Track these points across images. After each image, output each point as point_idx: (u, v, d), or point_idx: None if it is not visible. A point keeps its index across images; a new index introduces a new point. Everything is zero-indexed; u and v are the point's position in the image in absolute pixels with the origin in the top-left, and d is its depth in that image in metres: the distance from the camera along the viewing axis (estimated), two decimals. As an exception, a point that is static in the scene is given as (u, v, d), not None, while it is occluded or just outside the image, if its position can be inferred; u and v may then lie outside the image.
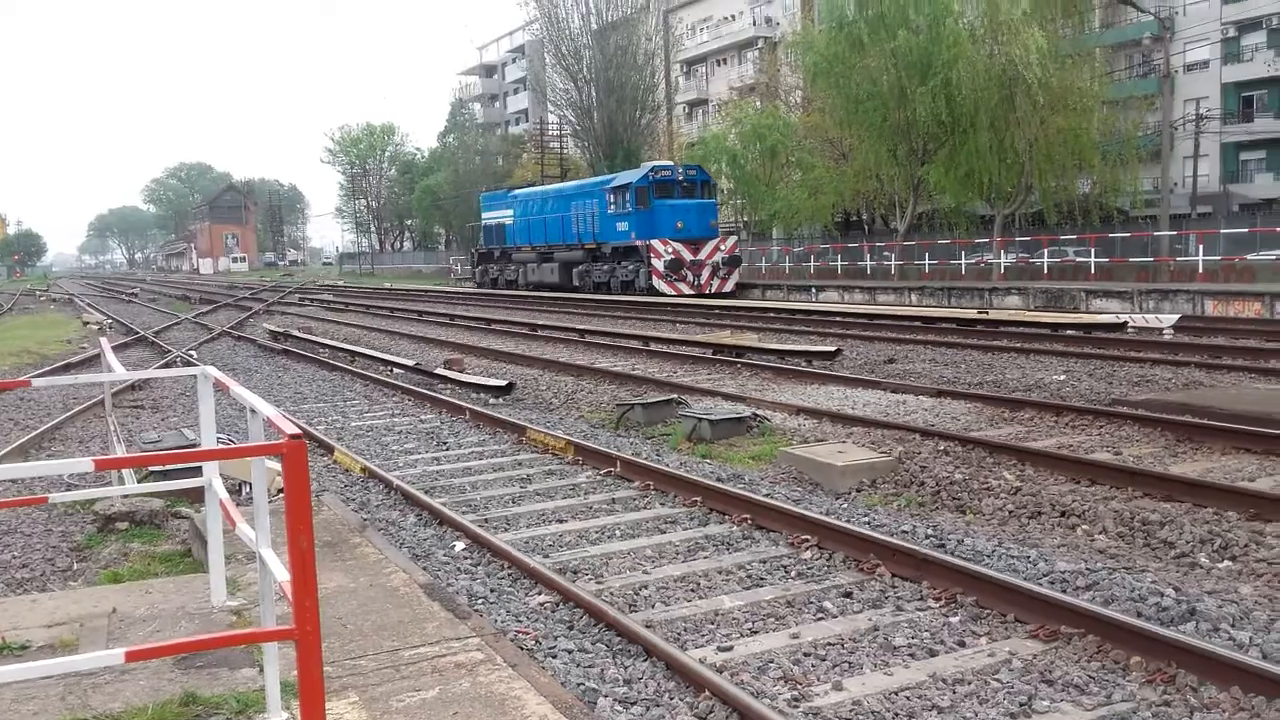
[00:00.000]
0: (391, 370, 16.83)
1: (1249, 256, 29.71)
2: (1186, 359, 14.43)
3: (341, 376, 16.83)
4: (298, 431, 2.87)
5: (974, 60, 30.63)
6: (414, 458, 10.13)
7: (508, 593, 6.01)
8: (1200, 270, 27.55)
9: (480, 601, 5.83)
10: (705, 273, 34.32)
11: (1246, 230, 32.96)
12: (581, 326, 23.25)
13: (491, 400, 13.58)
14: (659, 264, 33.74)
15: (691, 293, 33.39)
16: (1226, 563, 6.23)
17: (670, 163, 38.36)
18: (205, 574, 5.37)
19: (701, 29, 76.82)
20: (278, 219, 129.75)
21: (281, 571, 3.13)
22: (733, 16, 75.05)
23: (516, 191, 46.84)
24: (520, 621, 5.50)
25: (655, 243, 33.81)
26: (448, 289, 51.10)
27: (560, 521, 7.55)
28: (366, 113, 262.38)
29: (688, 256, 33.90)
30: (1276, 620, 5.08)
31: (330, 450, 10.24)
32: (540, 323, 25.00)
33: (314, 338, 22.63)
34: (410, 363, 16.87)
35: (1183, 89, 49.51)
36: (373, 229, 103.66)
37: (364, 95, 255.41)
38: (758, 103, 51.66)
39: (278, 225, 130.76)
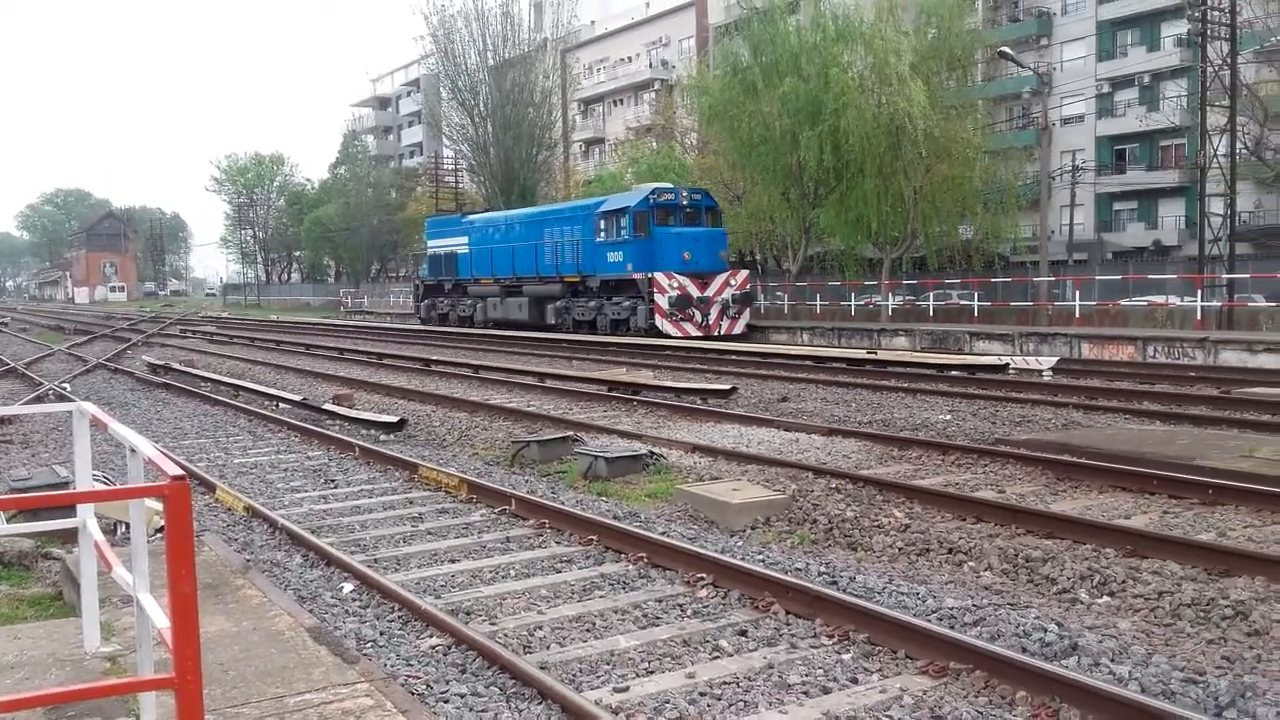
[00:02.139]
0: (277, 405, 16.38)
1: (1122, 302, 31.08)
2: (1065, 400, 14.96)
3: (225, 411, 16.31)
4: (180, 472, 2.76)
5: (862, 109, 31.52)
6: (300, 496, 9.85)
7: (398, 635, 5.85)
8: (1077, 314, 28.69)
9: (369, 645, 5.66)
10: (714, 311, 29.94)
11: (1120, 277, 34.50)
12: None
13: (382, 437, 13.31)
14: (663, 300, 29.21)
15: (699, 334, 29.32)
16: (1106, 598, 6.43)
17: (671, 185, 33.41)
18: (78, 618, 5.10)
19: (599, 69, 77.61)
20: (159, 248, 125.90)
21: (161, 617, 2.99)
22: (630, 58, 76.03)
23: (473, 216, 41.87)
24: (411, 665, 5.36)
25: (659, 276, 29.29)
26: (359, 324, 50.06)
27: (453, 561, 7.41)
28: (256, 141, 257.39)
29: (695, 293, 29.52)
30: (1153, 654, 5.25)
31: (212, 488, 9.89)
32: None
33: (196, 371, 21.92)
34: (297, 398, 16.45)
35: (1060, 141, 51.80)
36: (259, 260, 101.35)
37: (253, 124, 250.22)
38: (654, 143, 52.34)
39: (159, 254, 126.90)
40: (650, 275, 29.51)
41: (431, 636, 5.79)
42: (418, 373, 22.04)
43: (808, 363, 21.51)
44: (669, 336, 28.28)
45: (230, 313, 71.51)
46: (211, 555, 6.74)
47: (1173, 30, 49.88)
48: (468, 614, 6.20)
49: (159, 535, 6.32)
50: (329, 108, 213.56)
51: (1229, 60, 27.18)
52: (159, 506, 4.74)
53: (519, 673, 5.09)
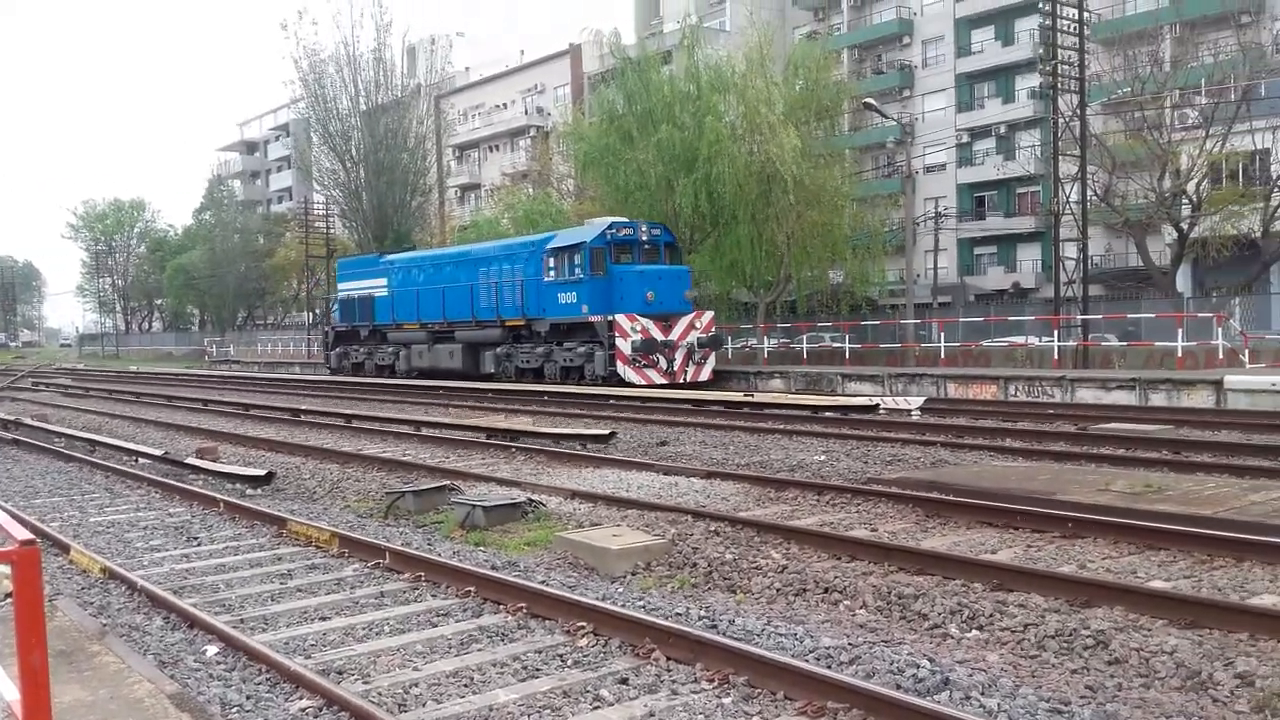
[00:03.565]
0: (137, 460, 15.69)
1: (984, 342, 32.36)
2: (933, 439, 15.41)
3: (80, 468, 15.55)
4: (29, 536, 2.62)
5: (735, 157, 32.26)
6: (161, 555, 9.41)
7: (266, 699, 5.61)
8: (942, 355, 29.71)
9: (235, 710, 5.42)
10: (679, 356, 27.58)
11: (982, 319, 35.95)
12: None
13: (249, 491, 12.86)
14: (625, 345, 26.60)
15: (664, 381, 27.00)
16: (975, 632, 6.60)
17: (627, 219, 30.39)
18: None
19: (474, 115, 77.58)
20: (10, 297, 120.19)
21: (10, 689, 2.82)
22: (505, 105, 76.26)
23: (392, 257, 38.27)
24: (279, 730, 5.14)
25: (620, 319, 26.69)
26: (226, 374, 48.36)
27: (324, 619, 7.16)
28: (115, 187, 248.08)
29: (659, 336, 27.13)
30: (1021, 686, 5.40)
31: (66, 549, 9.37)
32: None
33: (49, 426, 20.86)
34: (158, 452, 15.78)
35: (923, 189, 53.94)
36: (118, 308, 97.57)
37: (112, 168, 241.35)
38: (530, 189, 52.43)
39: (10, 304, 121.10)
40: (610, 318, 26.93)
41: (301, 698, 5.57)
42: (287, 423, 21.43)
43: (686, 406, 21.69)
44: (632, 385, 26.28)
45: (87, 364, 68.53)
46: (65, 621, 6.38)
47: (1026, 83, 52.64)
48: (340, 673, 5.99)
49: (8, 600, 5.96)
50: (193, 152, 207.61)
51: (1078, 112, 28.74)
52: (7, 571, 4.47)
53: (393, 733, 4.93)
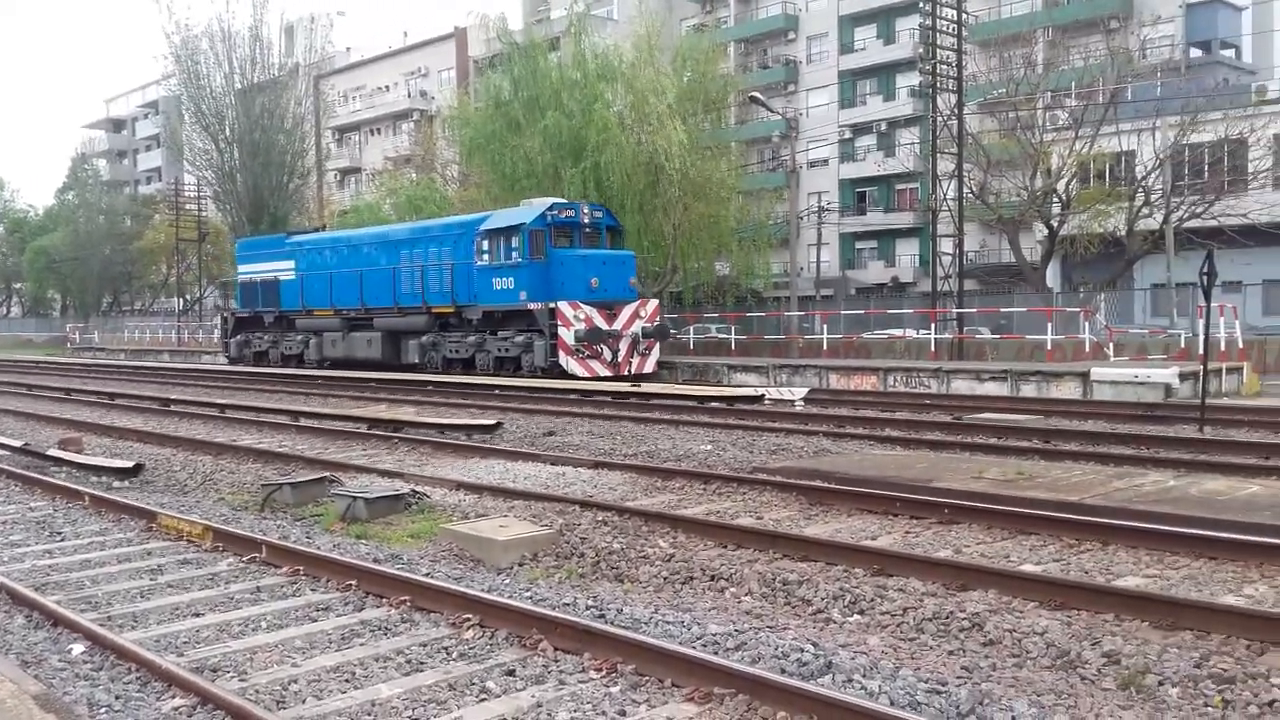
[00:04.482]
0: (-4, 451, 14.90)
1: (865, 335, 33.08)
2: (816, 428, 15.68)
3: (-69, 460, 14.68)
4: None
5: (623, 147, 32.23)
6: (22, 551, 8.95)
7: (136, 698, 5.37)
8: (825, 347, 30.28)
9: (104, 710, 5.17)
10: (624, 346, 26.07)
11: (862, 311, 36.77)
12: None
13: (116, 484, 12.32)
14: (568, 335, 25.00)
15: (608, 373, 25.56)
16: (856, 616, 6.73)
17: (568, 200, 28.68)
18: None
19: (354, 97, 75.92)
20: None
21: None
22: (387, 87, 74.84)
23: (300, 237, 35.55)
24: (150, 730, 4.94)
25: (563, 306, 25.03)
26: (90, 361, 46.28)
27: (197, 615, 6.91)
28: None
29: (603, 325, 25.64)
30: (900, 668, 5.52)
31: (-86, 546, 8.84)
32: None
33: (-103, 415, 19.68)
34: (17, 443, 15.01)
35: (807, 183, 54.87)
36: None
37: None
38: (413, 174, 51.55)
39: None
40: (552, 305, 25.20)
41: (174, 697, 5.35)
42: (156, 413, 20.65)
43: (573, 396, 21.63)
44: (575, 377, 24.71)
45: (-62, 351, 64.86)
46: (-90, 622, 6.01)
47: (907, 81, 54.05)
48: (215, 671, 5.78)
49: None
50: (56, 129, 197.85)
51: (956, 111, 29.58)
52: None
53: (271, 731, 4.78)
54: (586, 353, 25.31)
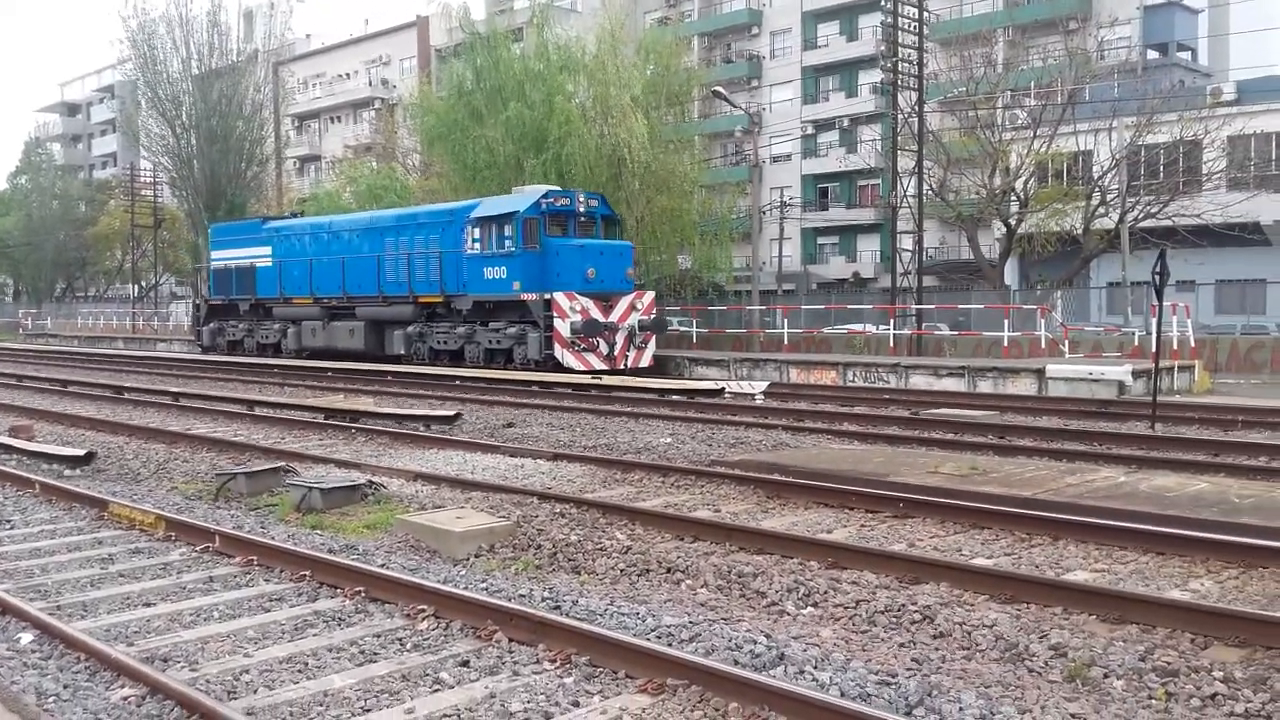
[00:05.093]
0: (-57, 439, 14.63)
1: (825, 329, 33.27)
2: (775, 422, 15.78)
3: (-124, 446, 14.38)
4: None
5: (585, 139, 32.18)
6: (-32, 539, 8.81)
7: (85, 688, 5.32)
8: (785, 341, 30.44)
9: (52, 699, 5.12)
10: (620, 339, 25.30)
11: (823, 306, 37.00)
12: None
13: (67, 472, 12.15)
14: (563, 327, 24.26)
15: (603, 366, 24.70)
16: (810, 609, 6.78)
17: (563, 189, 27.81)
18: None
19: (314, 84, 75.22)
20: None
21: None
22: (348, 75, 74.20)
23: (278, 223, 34.40)
24: (100, 719, 4.89)
25: (558, 297, 24.27)
26: (43, 348, 45.50)
27: (149, 605, 6.83)
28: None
29: (600, 317, 24.89)
30: (852, 660, 5.58)
31: None
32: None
33: None
34: (-33, 430, 14.78)
35: (769, 178, 55.11)
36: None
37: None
38: (374, 163, 51.15)
39: None
40: (547, 296, 24.45)
41: (124, 687, 5.30)
42: (109, 401, 20.37)
43: (534, 388, 21.60)
44: (571, 370, 24.00)
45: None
46: None
47: (869, 78, 54.36)
48: (165, 661, 5.72)
49: None
50: (8, 112, 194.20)
51: (916, 108, 29.81)
52: None
53: (222, 721, 4.74)
54: (582, 345, 24.58)
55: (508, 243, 25.13)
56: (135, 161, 61.18)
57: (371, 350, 29.11)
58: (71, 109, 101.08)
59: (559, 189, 27.28)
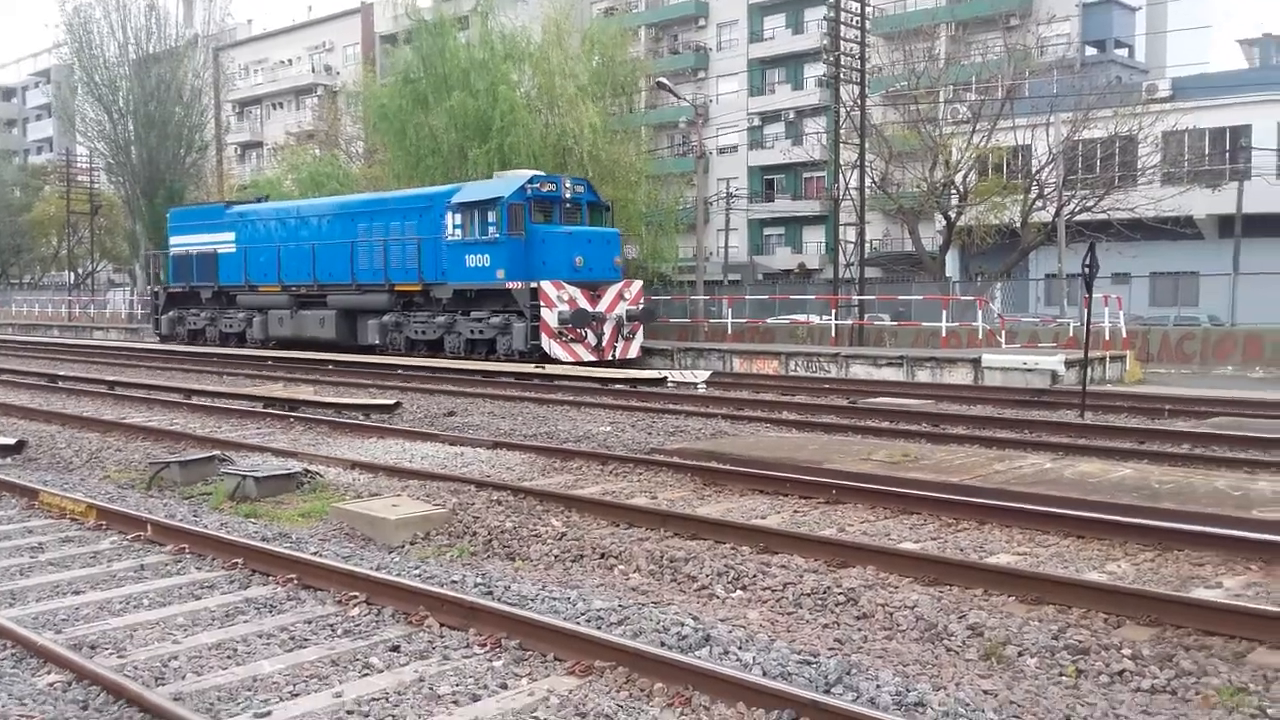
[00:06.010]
0: None
1: (769, 320, 33.54)
2: (715, 411, 15.91)
3: None
4: None
5: (530, 128, 32.08)
6: (-108, 529, 8.65)
7: (11, 674, 5.29)
8: (730, 331, 30.64)
9: (-26, 687, 5.09)
10: (608, 330, 24.52)
11: (768, 297, 37.26)
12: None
13: (-2, 461, 11.96)
14: (550, 317, 23.49)
15: (592, 357, 24.07)
16: (739, 592, 6.91)
17: (549, 174, 26.75)
18: None
19: (256, 70, 74.16)
20: None
21: None
22: (290, 61, 73.22)
23: (242, 208, 33.13)
24: (25, 704, 4.86)
25: (545, 286, 23.45)
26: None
27: (78, 593, 6.78)
28: None
29: (588, 307, 24.18)
30: (776, 641, 5.71)
31: None
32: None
33: None
34: (-107, 419, 14.46)
35: (716, 169, 55.35)
36: None
37: None
38: (317, 150, 50.56)
39: None
40: (534, 285, 23.56)
41: (50, 673, 5.29)
42: (42, 389, 20.01)
43: (476, 376, 21.55)
44: (558, 361, 23.32)
45: None
46: None
47: (814, 71, 54.70)
48: (92, 648, 5.70)
49: None
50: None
51: (859, 102, 30.11)
52: None
53: (148, 705, 4.75)
54: (570, 336, 23.83)
55: (491, 229, 24.19)
56: (71, 147, 59.88)
57: (343, 340, 28.15)
58: (6, 93, 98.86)
59: (544, 174, 26.30)
